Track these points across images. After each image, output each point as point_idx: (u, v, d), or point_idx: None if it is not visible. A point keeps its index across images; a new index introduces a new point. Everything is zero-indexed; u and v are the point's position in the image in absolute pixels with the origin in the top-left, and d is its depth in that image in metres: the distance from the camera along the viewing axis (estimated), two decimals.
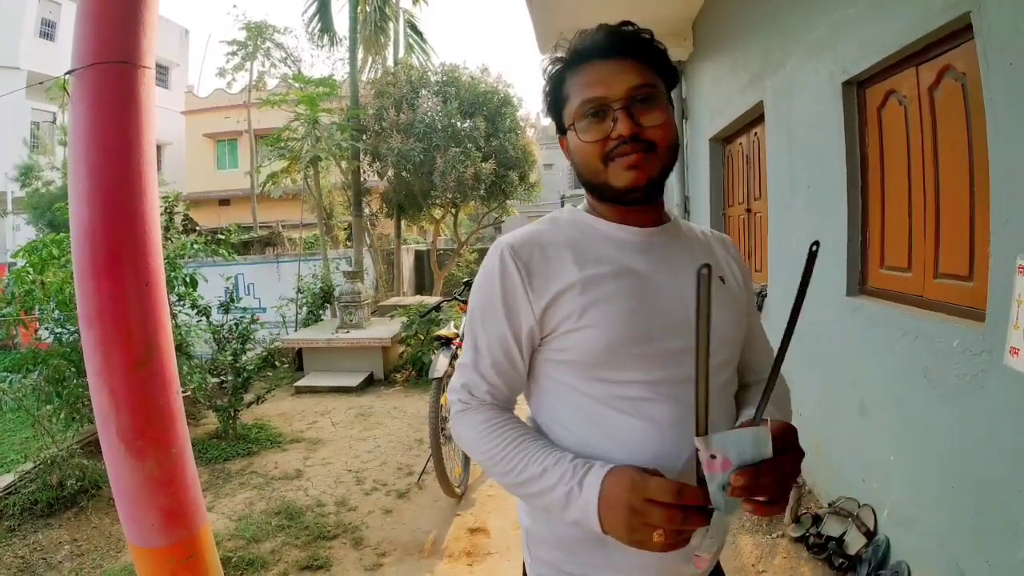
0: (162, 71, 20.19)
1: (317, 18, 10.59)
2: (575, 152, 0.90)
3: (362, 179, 10.32)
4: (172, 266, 4.33)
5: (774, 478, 0.71)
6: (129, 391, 1.60)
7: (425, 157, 9.42)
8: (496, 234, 18.66)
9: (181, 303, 4.47)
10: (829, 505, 2.58)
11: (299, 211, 11.82)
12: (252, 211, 15.43)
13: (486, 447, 0.89)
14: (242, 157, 19.15)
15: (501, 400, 0.95)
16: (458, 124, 9.82)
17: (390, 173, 10.12)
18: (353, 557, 2.75)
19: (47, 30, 16.96)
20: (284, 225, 14.31)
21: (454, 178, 9.36)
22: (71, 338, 3.74)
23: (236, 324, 4.64)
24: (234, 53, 15.61)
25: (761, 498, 0.71)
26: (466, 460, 3.50)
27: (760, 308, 3.51)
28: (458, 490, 3.26)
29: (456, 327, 3.94)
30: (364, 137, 9.69)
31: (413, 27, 12.18)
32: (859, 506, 2.41)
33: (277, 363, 5.79)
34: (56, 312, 3.84)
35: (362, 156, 9.92)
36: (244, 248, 11.65)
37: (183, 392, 2.00)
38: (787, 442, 0.75)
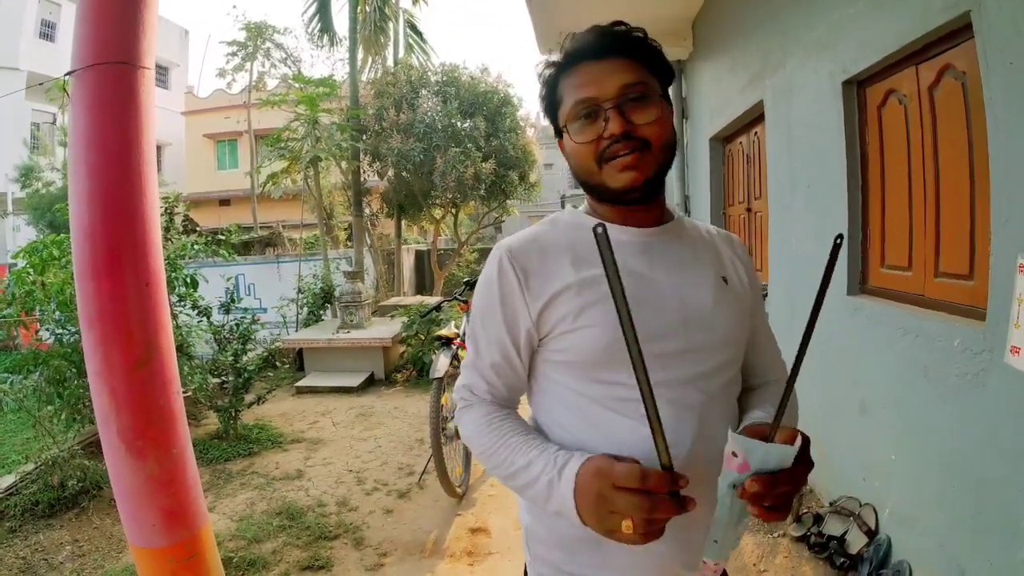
0: (162, 72, 20.20)
1: (317, 18, 10.60)
2: (571, 154, 0.90)
3: (362, 179, 10.33)
4: (173, 267, 4.33)
5: (787, 489, 0.71)
6: (130, 391, 1.60)
7: (425, 157, 9.42)
8: (496, 234, 18.68)
9: (182, 303, 4.47)
10: (830, 504, 2.58)
11: (299, 211, 11.84)
12: (252, 211, 15.44)
13: (482, 441, 0.91)
14: (242, 157, 19.16)
15: (501, 400, 0.96)
16: (458, 124, 9.83)
17: (390, 173, 10.13)
18: (354, 557, 2.75)
19: (47, 31, 16.97)
20: (284, 225, 14.31)
21: (454, 178, 9.36)
22: (72, 339, 3.74)
23: (237, 324, 4.64)
24: (234, 53, 15.63)
25: (768, 503, 0.71)
26: (467, 460, 3.51)
27: None
28: (459, 490, 3.26)
29: (456, 327, 3.94)
30: (364, 137, 9.69)
31: (413, 27, 12.18)
32: (860, 505, 2.41)
33: (278, 363, 5.79)
34: (57, 313, 3.84)
35: (362, 156, 9.92)
36: (245, 248, 11.65)
37: (184, 392, 2.00)
38: (801, 453, 0.75)
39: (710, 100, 4.57)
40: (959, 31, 1.80)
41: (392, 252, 11.92)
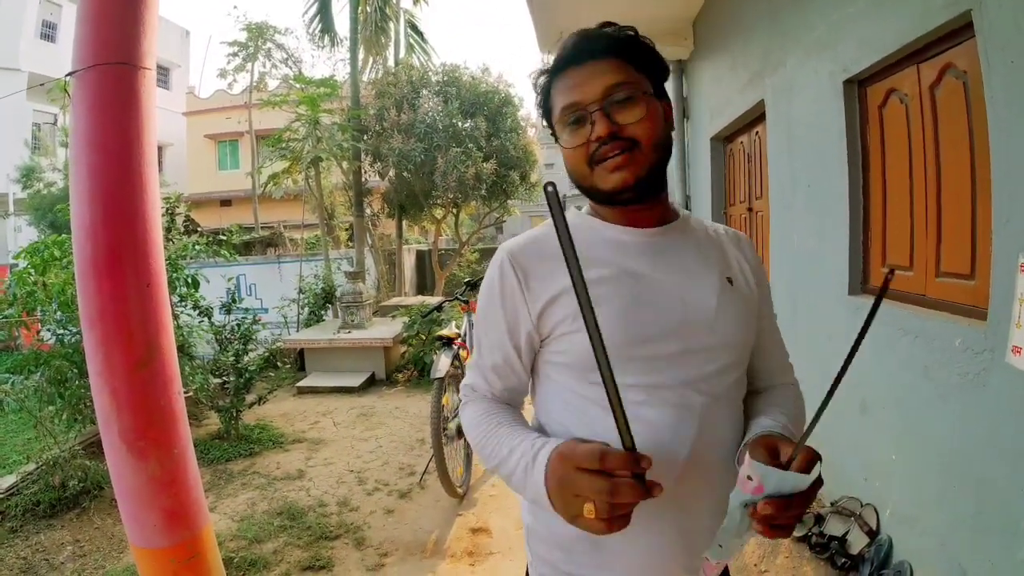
0: (163, 72, 20.23)
1: (318, 19, 10.60)
2: (565, 159, 0.91)
3: (363, 179, 10.33)
4: (174, 267, 4.33)
5: (798, 512, 0.70)
6: (131, 392, 1.61)
7: (426, 157, 9.43)
8: (497, 234, 18.68)
9: (183, 304, 4.48)
10: (831, 504, 2.58)
11: (300, 211, 11.82)
12: (254, 212, 15.46)
13: (476, 432, 0.92)
14: (243, 158, 19.19)
15: (501, 400, 0.97)
16: (459, 124, 9.83)
17: (391, 173, 10.13)
18: (355, 557, 2.76)
19: (48, 31, 17.00)
20: (286, 226, 14.32)
21: (455, 178, 9.37)
22: (73, 339, 3.74)
23: (238, 325, 4.64)
24: (235, 54, 15.62)
25: (777, 523, 0.71)
26: (468, 460, 3.51)
27: None
28: (460, 490, 3.26)
29: (457, 327, 3.95)
30: (365, 137, 9.70)
31: (414, 27, 12.18)
32: (861, 505, 2.41)
33: (279, 363, 5.79)
34: (58, 313, 3.85)
35: (363, 156, 9.93)
36: (246, 249, 11.67)
37: (185, 393, 2.01)
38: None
39: (711, 100, 4.57)
40: (960, 30, 1.79)
41: (393, 252, 11.92)
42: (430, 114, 9.57)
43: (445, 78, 10.44)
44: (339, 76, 12.14)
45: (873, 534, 2.29)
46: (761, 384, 1.00)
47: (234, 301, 4.77)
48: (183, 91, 21.06)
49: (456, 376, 3.46)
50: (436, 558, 2.75)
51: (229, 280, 5.16)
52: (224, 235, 9.70)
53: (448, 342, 3.49)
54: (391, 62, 11.72)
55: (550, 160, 18.83)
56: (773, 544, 2.60)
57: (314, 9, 10.54)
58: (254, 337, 4.73)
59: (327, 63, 36.66)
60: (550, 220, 0.98)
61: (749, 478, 0.71)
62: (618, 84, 0.84)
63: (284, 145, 8.81)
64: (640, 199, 0.88)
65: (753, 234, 4.04)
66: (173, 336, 1.74)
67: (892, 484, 2.24)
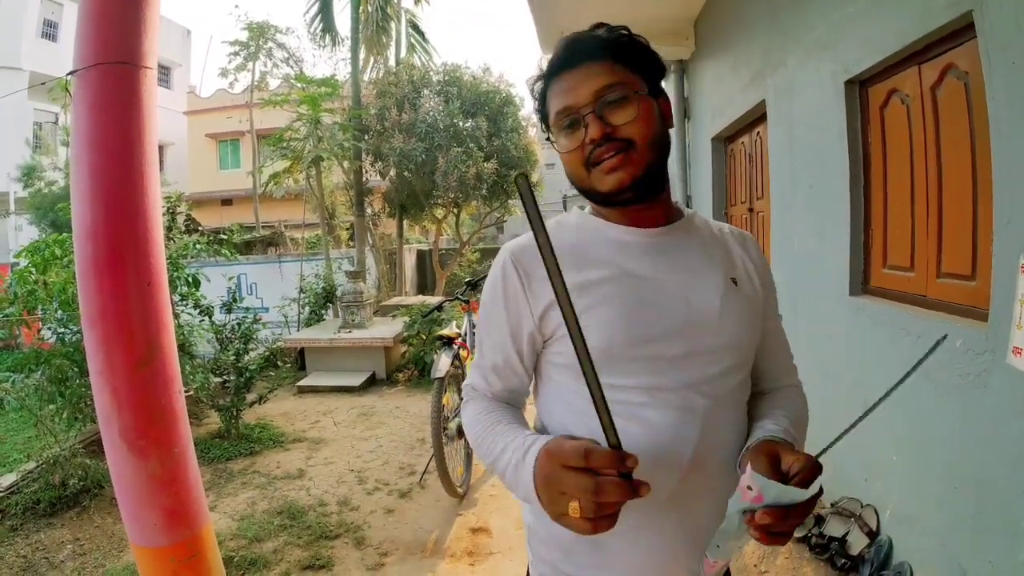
0: (164, 71, 20.25)
1: (319, 18, 10.62)
2: (563, 163, 0.91)
3: (364, 179, 10.33)
4: (175, 266, 4.34)
5: (796, 522, 0.70)
6: (131, 391, 1.61)
7: (427, 157, 9.43)
8: (498, 234, 18.68)
9: (184, 303, 4.48)
10: (831, 505, 2.58)
11: (301, 211, 11.84)
12: (254, 211, 15.44)
13: (474, 431, 0.92)
14: (244, 157, 19.18)
15: (502, 399, 0.97)
16: (460, 124, 9.83)
17: (392, 173, 10.14)
18: (355, 557, 2.76)
19: (49, 31, 17.01)
20: (286, 225, 14.32)
21: (456, 178, 9.37)
22: (74, 338, 3.75)
23: (239, 324, 4.64)
24: (236, 53, 15.59)
25: (774, 532, 0.71)
26: (468, 460, 3.51)
27: None
28: (460, 490, 3.26)
29: (458, 327, 3.95)
30: (366, 137, 9.70)
31: (415, 27, 12.19)
32: (861, 506, 2.41)
33: (279, 363, 5.80)
34: (59, 312, 3.86)
35: (364, 156, 9.93)
36: (246, 248, 11.67)
37: (185, 392, 2.01)
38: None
39: (712, 100, 4.56)
40: (961, 31, 1.79)
41: (394, 252, 11.93)
42: (431, 114, 9.57)
43: (446, 78, 10.44)
44: (340, 76, 12.15)
45: (873, 535, 2.29)
46: (765, 386, 1.00)
47: (235, 300, 4.78)
48: (184, 90, 21.06)
49: (456, 376, 3.46)
50: (436, 558, 2.75)
51: (230, 279, 5.17)
52: (225, 234, 9.73)
53: (448, 342, 3.49)
54: (392, 62, 11.73)
55: (551, 160, 18.81)
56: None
57: (315, 8, 10.56)
58: (255, 336, 4.73)
59: (328, 63, 36.61)
60: (551, 221, 0.98)
61: (749, 488, 0.70)
62: (610, 85, 0.84)
63: (285, 144, 8.81)
64: (640, 199, 0.88)
65: (754, 234, 4.04)
66: (174, 335, 1.74)
67: (892, 485, 2.24)
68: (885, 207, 2.39)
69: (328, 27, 10.67)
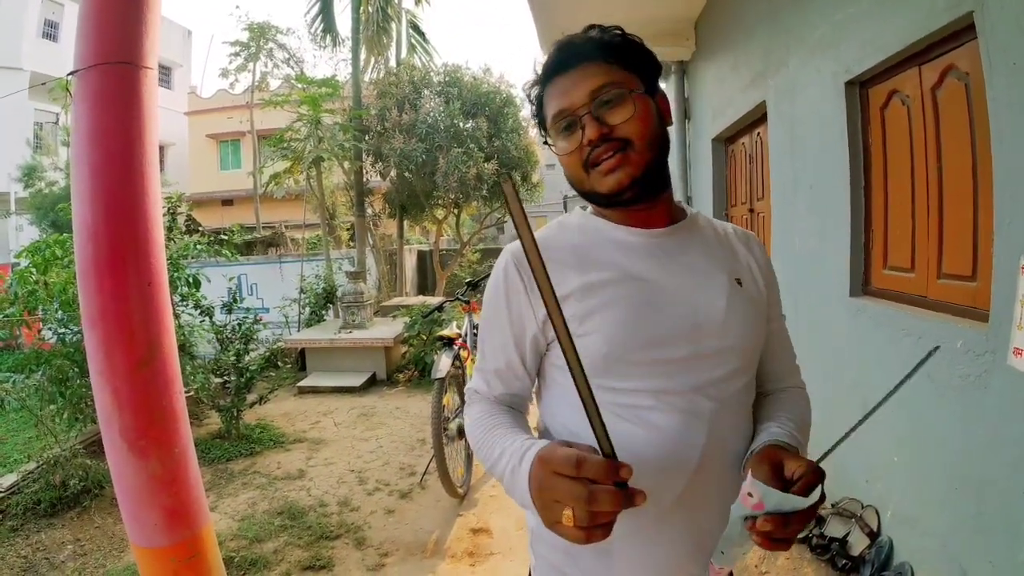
0: (165, 72, 20.27)
1: (320, 19, 10.62)
2: (562, 166, 0.90)
3: (365, 179, 10.34)
4: (175, 266, 4.34)
5: (797, 528, 0.70)
6: (132, 391, 1.61)
7: (427, 157, 9.43)
8: (498, 234, 18.68)
9: (184, 303, 4.48)
10: (832, 506, 2.58)
11: (302, 211, 11.84)
12: (255, 211, 15.45)
13: (475, 434, 0.91)
14: (245, 158, 19.19)
15: (504, 403, 0.96)
16: (460, 124, 9.84)
17: (392, 173, 10.14)
18: (355, 557, 2.76)
19: (50, 31, 17.03)
20: (287, 225, 14.32)
21: (456, 178, 9.37)
22: (74, 338, 3.75)
23: (239, 324, 4.65)
24: (237, 54, 15.60)
25: (776, 538, 0.71)
26: (468, 460, 3.51)
27: None
28: (460, 490, 3.26)
29: (458, 327, 3.94)
30: (367, 137, 9.71)
31: (415, 27, 12.20)
32: (862, 507, 2.40)
33: (280, 363, 5.79)
34: (59, 312, 3.86)
35: (365, 156, 9.94)
36: (247, 248, 11.65)
37: (186, 392, 2.01)
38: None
39: (712, 100, 4.56)
40: (962, 31, 1.79)
41: (394, 252, 11.93)
42: (431, 114, 9.58)
43: (447, 78, 10.45)
44: (341, 76, 12.15)
45: (874, 535, 2.28)
46: (769, 387, 0.99)
47: (235, 301, 4.78)
48: (185, 91, 21.08)
49: (457, 376, 3.46)
50: (436, 558, 2.75)
51: (230, 280, 5.18)
52: (225, 235, 9.75)
53: (449, 342, 3.49)
54: (393, 62, 11.74)
55: (551, 160, 18.81)
56: None
57: (316, 9, 10.56)
58: (255, 337, 4.74)
59: (329, 63, 36.58)
60: (553, 221, 0.98)
61: (750, 495, 0.70)
62: (604, 86, 0.84)
63: (286, 145, 8.82)
64: (640, 199, 0.87)
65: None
66: (174, 335, 1.74)
67: (893, 485, 2.24)
68: (886, 208, 2.39)
69: (329, 28, 10.67)
